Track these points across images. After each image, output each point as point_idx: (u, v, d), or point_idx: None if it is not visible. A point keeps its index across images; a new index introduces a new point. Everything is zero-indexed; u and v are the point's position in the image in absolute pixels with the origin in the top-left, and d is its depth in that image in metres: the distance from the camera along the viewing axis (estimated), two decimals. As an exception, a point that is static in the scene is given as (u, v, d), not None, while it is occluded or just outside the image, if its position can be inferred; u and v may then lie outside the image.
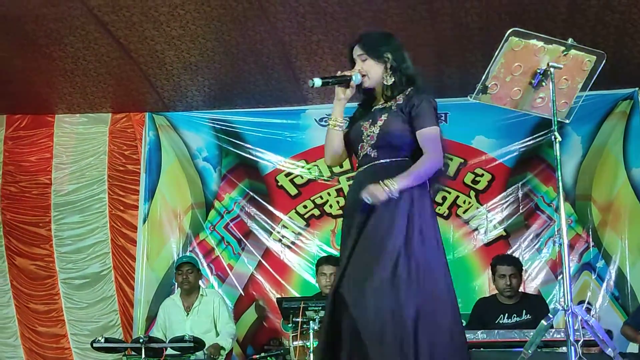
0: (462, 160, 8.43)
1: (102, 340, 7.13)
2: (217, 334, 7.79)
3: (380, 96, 4.54)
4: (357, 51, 4.58)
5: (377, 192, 4.18)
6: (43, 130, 9.04)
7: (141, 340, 7.02)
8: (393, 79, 4.48)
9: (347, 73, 4.53)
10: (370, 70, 4.51)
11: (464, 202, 8.41)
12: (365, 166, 4.42)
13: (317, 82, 4.47)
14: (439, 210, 8.36)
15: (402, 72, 4.49)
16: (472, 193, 8.40)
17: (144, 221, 8.85)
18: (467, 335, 5.94)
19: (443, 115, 8.46)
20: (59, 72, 8.08)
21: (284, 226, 8.68)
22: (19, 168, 9.09)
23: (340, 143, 4.58)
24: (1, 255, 8.97)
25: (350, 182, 8.42)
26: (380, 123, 4.42)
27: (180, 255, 8.54)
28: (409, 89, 4.44)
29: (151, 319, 8.45)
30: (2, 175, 9.06)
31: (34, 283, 8.94)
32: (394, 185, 4.18)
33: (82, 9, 6.90)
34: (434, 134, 4.36)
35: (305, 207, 8.68)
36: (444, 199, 8.40)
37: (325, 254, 8.19)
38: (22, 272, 8.93)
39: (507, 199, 8.33)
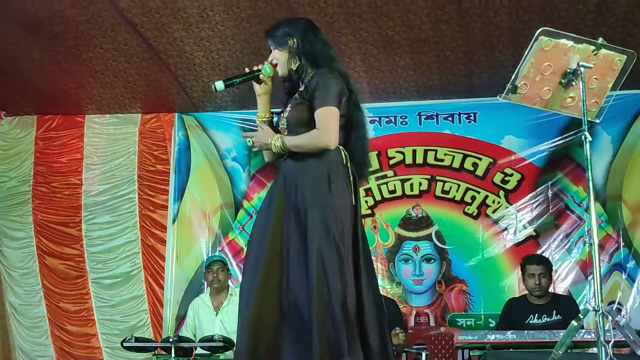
0: (492, 160, 8.41)
1: (132, 340, 7.15)
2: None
3: (295, 85, 4.52)
4: (268, 42, 4.57)
5: (263, 138, 4.37)
6: (73, 131, 9.10)
7: (171, 340, 7.03)
8: (298, 63, 4.45)
9: (255, 67, 4.51)
10: (278, 59, 4.50)
11: (494, 201, 8.39)
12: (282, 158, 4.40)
13: (219, 85, 4.49)
14: (469, 209, 8.35)
15: (306, 55, 4.44)
16: (502, 193, 8.37)
17: (174, 221, 8.88)
18: (496, 336, 5.99)
19: (472, 114, 8.46)
20: (88, 73, 8.12)
21: (311, 225, 8.67)
22: (50, 169, 9.15)
23: None
24: (32, 255, 9.03)
25: (379, 182, 8.52)
26: (285, 113, 4.45)
27: (210, 255, 8.56)
28: (308, 75, 4.40)
29: (181, 319, 8.48)
30: (34, 176, 9.12)
31: (64, 282, 8.99)
32: (278, 141, 4.30)
33: (112, 11, 6.93)
34: (323, 113, 4.25)
35: (333, 206, 8.66)
36: (473, 198, 8.39)
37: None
38: (52, 271, 8.99)
39: (536, 199, 8.30)
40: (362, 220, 4.61)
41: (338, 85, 4.32)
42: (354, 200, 4.34)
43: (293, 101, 4.41)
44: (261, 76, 4.50)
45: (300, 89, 4.41)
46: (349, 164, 4.35)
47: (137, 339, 7.23)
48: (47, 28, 7.19)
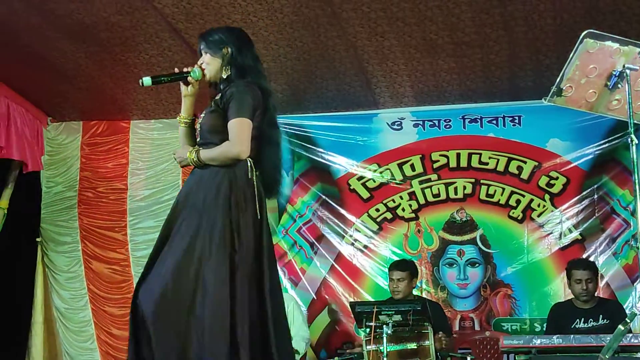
0: (537, 163, 8.36)
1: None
2: (291, 338, 7.81)
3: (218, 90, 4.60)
4: (200, 45, 4.66)
5: (182, 154, 4.46)
6: (119, 137, 9.16)
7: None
8: (229, 73, 4.53)
9: (185, 69, 4.57)
10: (209, 64, 4.58)
11: (539, 205, 8.33)
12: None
13: (147, 80, 4.51)
14: (513, 213, 8.31)
15: (237, 67, 4.53)
16: (547, 196, 8.31)
17: (219, 225, 8.90)
18: (542, 340, 5.95)
19: (517, 117, 8.41)
20: (133, 78, 8.16)
21: (356, 230, 8.68)
22: (95, 174, 9.22)
23: (193, 139, 4.63)
24: (78, 259, 9.10)
25: (423, 185, 8.50)
26: (201, 117, 4.53)
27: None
28: (230, 85, 4.48)
29: (225, 323, 8.50)
30: (80, 181, 9.20)
31: (110, 287, 9.06)
32: (195, 155, 4.40)
33: (157, 17, 6.98)
34: (236, 124, 4.35)
35: (377, 210, 8.67)
36: (518, 202, 8.34)
37: (397, 258, 8.17)
38: (98, 275, 9.06)
39: (582, 203, 8.23)
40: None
41: (253, 97, 4.42)
42: (258, 214, 4.37)
43: (208, 108, 4.51)
44: (189, 78, 4.58)
45: (216, 97, 4.49)
46: (254, 178, 4.42)
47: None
48: (93, 35, 7.26)
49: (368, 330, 6.37)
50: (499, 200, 8.41)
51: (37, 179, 9.18)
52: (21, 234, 9.07)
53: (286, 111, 8.85)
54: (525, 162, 8.37)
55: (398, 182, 8.66)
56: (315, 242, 8.75)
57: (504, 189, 8.41)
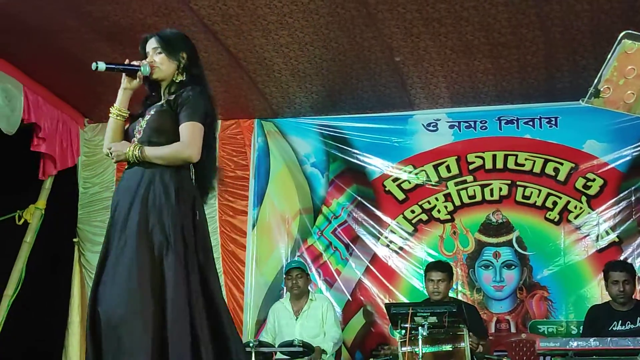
0: (573, 165, 8.30)
1: (213, 344, 7.21)
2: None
3: (164, 92, 4.62)
4: (153, 44, 4.65)
5: (122, 149, 4.40)
6: (157, 138, 9.21)
7: (251, 344, 7.08)
8: (182, 78, 4.59)
9: (135, 63, 4.56)
10: (162, 64, 4.58)
11: (575, 207, 8.27)
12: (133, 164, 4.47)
13: (101, 65, 4.50)
14: (550, 215, 8.27)
15: (191, 75, 4.60)
16: (584, 198, 8.25)
17: (253, 226, 8.94)
18: (579, 343, 5.92)
19: (553, 119, 8.37)
20: (170, 80, 8.21)
21: (391, 231, 8.67)
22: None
23: (122, 134, 4.61)
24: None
25: (459, 187, 8.48)
26: (147, 117, 4.51)
27: (290, 260, 8.60)
28: (186, 89, 4.52)
29: (260, 323, 8.54)
30: (116, 182, 9.12)
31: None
32: (138, 151, 4.37)
33: (193, 18, 7.01)
34: (191, 127, 4.42)
35: (412, 212, 8.65)
36: (555, 204, 8.29)
37: (433, 260, 8.15)
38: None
39: (619, 205, 8.15)
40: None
41: (207, 105, 4.52)
42: (198, 214, 4.46)
43: (158, 107, 4.52)
44: (139, 73, 4.56)
45: (169, 98, 4.52)
46: (193, 181, 4.52)
47: (218, 344, 7.29)
48: (129, 36, 7.28)
49: (403, 331, 6.36)
50: (535, 202, 8.37)
51: (74, 179, 9.24)
52: (58, 235, 9.14)
53: (321, 112, 8.88)
54: (561, 164, 8.32)
55: (433, 183, 8.64)
56: (351, 244, 8.74)
57: (540, 191, 8.37)
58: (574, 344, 5.93)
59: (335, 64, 7.81)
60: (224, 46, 7.47)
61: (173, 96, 4.52)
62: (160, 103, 4.56)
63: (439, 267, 7.52)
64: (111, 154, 4.49)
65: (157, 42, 4.65)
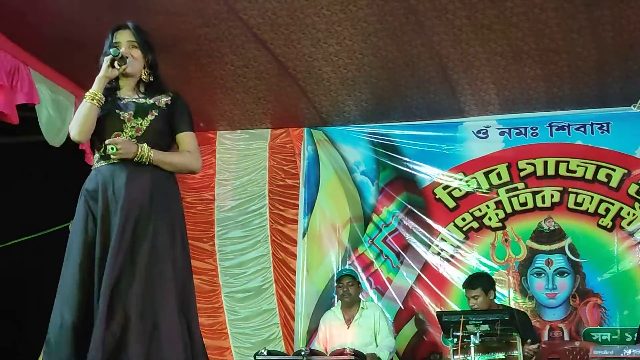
0: (626, 171, 8.23)
1: (265, 353, 7.23)
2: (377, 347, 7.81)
3: (130, 89, 4.57)
4: (128, 36, 4.59)
5: (130, 147, 4.31)
6: (206, 147, 9.21)
7: (303, 353, 7.09)
8: (151, 79, 4.59)
9: (120, 53, 4.47)
10: (136, 60, 4.54)
11: (628, 213, 8.18)
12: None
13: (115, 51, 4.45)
14: (603, 222, 8.19)
15: (156, 75, 4.62)
16: (637, 204, 8.16)
17: (304, 235, 8.96)
18: (633, 350, 5.85)
19: (605, 125, 8.30)
20: (220, 89, 8.26)
21: (442, 239, 8.64)
22: (183, 184, 9.23)
23: (93, 121, 4.41)
24: (168, 269, 9.20)
25: (510, 194, 8.42)
26: (151, 118, 4.46)
27: (340, 269, 8.60)
28: (170, 93, 4.58)
29: (312, 332, 8.54)
30: (169, 192, 9.31)
31: (198, 297, 8.98)
32: (151, 152, 4.34)
33: (242, 28, 7.04)
34: (193, 138, 4.57)
35: (463, 220, 8.62)
36: (607, 210, 8.21)
37: (484, 267, 8.11)
38: (187, 286, 9.14)
39: (674, 210, 8.09)
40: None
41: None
42: None
43: (158, 110, 4.49)
44: (125, 65, 4.47)
45: (161, 105, 4.52)
46: None
47: (270, 352, 7.31)
48: (179, 47, 7.35)
49: (455, 340, 6.32)
50: (588, 208, 8.29)
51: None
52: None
53: (371, 120, 8.88)
54: (614, 170, 8.24)
55: (484, 190, 8.59)
56: (401, 252, 8.73)
57: (592, 197, 8.29)
58: (629, 352, 5.86)
59: (384, 71, 7.80)
60: (274, 55, 7.49)
61: (168, 100, 4.55)
62: (157, 104, 4.52)
63: (472, 285, 7.44)
64: (115, 148, 4.30)
65: (133, 36, 4.59)
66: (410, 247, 8.72)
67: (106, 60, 4.46)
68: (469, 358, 6.18)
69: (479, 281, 7.51)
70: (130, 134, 4.42)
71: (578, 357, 7.71)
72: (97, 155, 4.47)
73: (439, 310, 8.20)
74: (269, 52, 7.44)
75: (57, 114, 7.74)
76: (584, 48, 7.20)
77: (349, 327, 7.94)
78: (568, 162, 8.40)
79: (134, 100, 4.53)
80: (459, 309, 8.11)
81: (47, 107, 7.56)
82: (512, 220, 8.50)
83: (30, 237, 8.53)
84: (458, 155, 8.74)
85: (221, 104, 8.63)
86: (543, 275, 8.33)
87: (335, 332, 7.99)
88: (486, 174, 8.60)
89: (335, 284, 8.19)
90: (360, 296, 8.19)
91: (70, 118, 7.96)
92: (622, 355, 5.86)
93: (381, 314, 7.99)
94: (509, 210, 8.51)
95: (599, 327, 8.05)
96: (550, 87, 7.99)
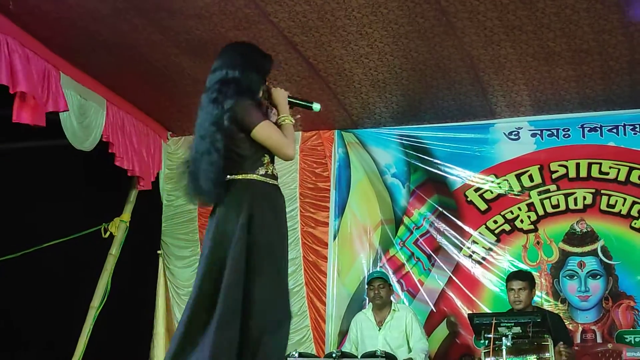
0: (660, 171, 8.20)
1: (296, 355, 7.24)
2: (410, 350, 7.80)
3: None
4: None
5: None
6: (237, 150, 9.28)
7: (334, 355, 7.10)
8: None
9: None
10: None
11: (661, 214, 8.16)
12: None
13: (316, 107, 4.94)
14: (636, 224, 8.14)
15: None
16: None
17: (335, 237, 8.96)
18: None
19: (638, 126, 8.26)
20: (250, 92, 8.27)
21: (474, 242, 8.61)
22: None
23: None
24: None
25: (542, 196, 8.38)
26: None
27: (371, 271, 8.60)
28: None
29: (343, 334, 8.54)
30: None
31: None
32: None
33: (273, 31, 7.06)
34: None
35: (495, 222, 8.58)
36: (640, 212, 8.18)
37: (516, 269, 8.08)
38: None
39: None
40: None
41: None
42: None
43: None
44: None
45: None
46: None
47: (301, 355, 7.33)
48: (211, 50, 7.35)
49: (487, 342, 6.30)
50: (620, 210, 8.24)
51: (157, 192, 9.36)
52: (143, 247, 9.27)
53: (402, 122, 8.87)
54: (643, 170, 8.21)
55: (516, 193, 8.56)
56: (433, 254, 8.71)
57: (625, 199, 8.24)
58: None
59: (415, 73, 7.80)
60: (304, 58, 7.51)
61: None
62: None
63: (520, 276, 7.45)
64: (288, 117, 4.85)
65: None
66: (442, 249, 8.70)
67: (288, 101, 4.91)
68: (500, 360, 6.16)
69: (526, 275, 7.51)
70: None
71: (611, 359, 7.67)
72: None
73: (470, 312, 8.17)
74: (299, 54, 7.46)
75: (84, 118, 7.80)
76: (616, 49, 7.17)
77: (380, 329, 7.93)
78: (600, 163, 8.35)
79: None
80: (491, 312, 8.08)
81: (74, 112, 7.61)
82: (544, 222, 8.46)
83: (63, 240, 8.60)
84: (489, 157, 8.72)
85: (252, 107, 8.63)
86: (575, 277, 8.28)
87: (366, 334, 8.00)
88: (518, 176, 8.57)
89: (367, 287, 8.18)
90: (392, 298, 8.18)
91: (102, 122, 8.05)
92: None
93: (413, 316, 7.98)
94: (540, 212, 8.47)
95: (632, 329, 8.00)
96: (582, 88, 7.96)
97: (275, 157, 4.70)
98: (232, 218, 4.45)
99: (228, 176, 4.54)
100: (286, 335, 4.53)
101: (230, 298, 4.27)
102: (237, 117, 4.53)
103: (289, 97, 4.86)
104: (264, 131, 4.55)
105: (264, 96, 4.85)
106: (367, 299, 8.28)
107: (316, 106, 4.92)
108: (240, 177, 4.56)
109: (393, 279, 8.60)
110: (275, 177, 4.68)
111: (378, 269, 8.65)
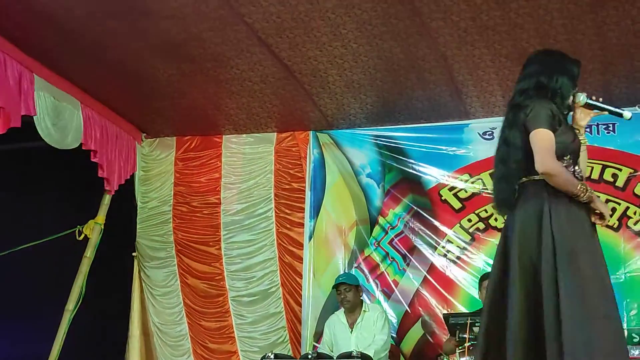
0: (632, 171, 8.20)
1: (272, 356, 7.23)
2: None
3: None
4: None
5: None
6: (211, 151, 9.25)
7: (310, 356, 7.10)
8: None
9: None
10: None
11: (635, 213, 8.16)
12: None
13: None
14: (609, 221, 8.15)
15: None
16: (643, 204, 8.17)
17: (310, 238, 8.95)
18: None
19: (611, 125, 8.28)
20: (225, 93, 8.27)
21: (448, 241, 8.62)
22: (189, 188, 9.33)
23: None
24: (174, 274, 9.20)
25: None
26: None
27: (346, 272, 8.60)
28: None
29: (319, 335, 8.53)
30: (174, 196, 9.31)
31: (205, 301, 9.14)
32: None
33: (247, 32, 7.05)
34: None
35: (469, 221, 8.60)
36: (614, 210, 8.17)
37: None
38: (194, 290, 9.14)
39: (680, 209, 8.07)
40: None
41: None
42: None
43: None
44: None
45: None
46: None
47: (277, 356, 7.32)
48: (184, 51, 7.37)
49: (462, 342, 6.32)
50: (594, 208, 8.26)
51: (132, 194, 9.34)
52: (118, 249, 9.23)
53: (376, 123, 8.88)
54: (620, 170, 8.23)
55: (490, 191, 8.56)
56: (408, 254, 8.72)
57: (598, 197, 8.25)
58: (636, 352, 5.87)
59: (390, 74, 7.80)
60: (279, 59, 7.50)
61: None
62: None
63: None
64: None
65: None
66: (417, 249, 8.71)
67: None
68: (475, 360, 6.18)
69: None
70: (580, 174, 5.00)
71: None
72: None
73: (445, 312, 8.19)
74: (273, 55, 7.45)
75: (58, 120, 7.75)
76: (589, 49, 7.20)
77: (352, 330, 7.94)
78: (574, 162, 8.38)
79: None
80: (466, 311, 8.09)
81: (48, 114, 7.57)
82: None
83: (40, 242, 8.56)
84: (464, 156, 8.73)
85: (227, 108, 8.63)
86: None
87: (339, 336, 8.00)
88: (492, 175, 8.57)
89: (336, 291, 8.16)
90: (365, 299, 8.19)
91: (79, 123, 8.00)
92: (631, 355, 5.86)
93: (380, 314, 7.98)
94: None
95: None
96: (556, 88, 7.97)
97: None
98: None
99: None
100: None
101: None
102: None
103: (589, 100, 4.89)
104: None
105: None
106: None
107: (627, 114, 4.80)
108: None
109: (369, 279, 8.61)
110: None
111: (343, 272, 8.60)
